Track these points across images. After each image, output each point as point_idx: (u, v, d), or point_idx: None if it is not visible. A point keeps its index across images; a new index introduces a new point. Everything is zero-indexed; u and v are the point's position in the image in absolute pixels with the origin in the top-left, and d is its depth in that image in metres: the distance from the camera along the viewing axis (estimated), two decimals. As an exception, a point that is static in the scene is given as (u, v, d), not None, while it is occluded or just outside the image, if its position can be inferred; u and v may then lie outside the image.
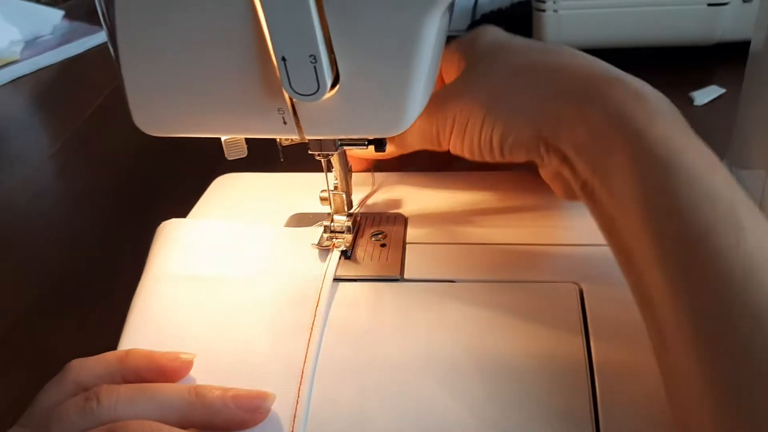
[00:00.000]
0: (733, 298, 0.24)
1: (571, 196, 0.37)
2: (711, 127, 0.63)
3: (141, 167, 0.65)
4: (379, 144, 0.38)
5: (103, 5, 0.29)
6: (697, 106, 0.65)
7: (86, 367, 0.32)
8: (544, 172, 0.38)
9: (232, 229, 0.43)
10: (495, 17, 0.82)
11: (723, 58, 0.74)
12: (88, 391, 0.30)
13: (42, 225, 0.58)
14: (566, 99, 0.33)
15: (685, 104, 0.66)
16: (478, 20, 0.82)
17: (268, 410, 0.31)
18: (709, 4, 0.72)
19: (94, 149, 0.70)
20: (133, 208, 0.58)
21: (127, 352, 0.33)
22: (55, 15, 0.95)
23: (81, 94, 0.81)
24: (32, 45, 0.91)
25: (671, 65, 0.75)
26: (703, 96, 0.67)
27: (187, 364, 0.33)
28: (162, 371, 0.32)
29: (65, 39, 0.92)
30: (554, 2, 0.71)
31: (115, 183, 0.63)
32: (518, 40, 0.39)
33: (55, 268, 0.52)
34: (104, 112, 0.76)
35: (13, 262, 0.53)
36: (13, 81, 0.85)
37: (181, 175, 0.60)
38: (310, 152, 0.37)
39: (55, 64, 0.89)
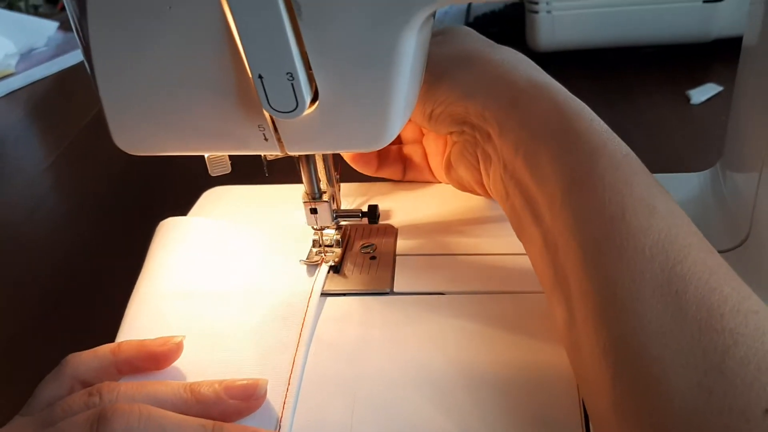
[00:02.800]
0: (641, 272, 0.26)
1: (472, 179, 0.39)
2: (708, 126, 0.63)
3: (135, 179, 0.64)
4: (372, 216, 0.39)
5: (77, 24, 0.29)
6: (693, 105, 0.65)
7: (82, 361, 0.33)
8: (455, 150, 0.39)
9: (228, 231, 0.43)
10: (489, 19, 0.82)
11: (720, 56, 0.73)
12: (88, 385, 0.32)
13: (38, 237, 0.58)
14: (500, 93, 0.35)
15: (681, 103, 0.65)
16: (472, 22, 0.82)
17: (263, 396, 0.32)
18: (705, 1, 0.71)
19: (89, 161, 0.70)
20: (127, 219, 0.58)
21: (119, 344, 0.34)
22: (50, 26, 0.95)
23: (76, 106, 0.81)
24: (27, 57, 0.91)
25: (667, 64, 0.74)
26: (700, 94, 0.66)
27: (177, 347, 0.34)
28: (153, 357, 0.33)
29: (60, 50, 0.92)
30: (547, 3, 0.70)
31: (110, 195, 0.63)
32: (477, 35, 0.41)
33: (51, 280, 0.52)
34: (99, 123, 0.74)
35: (9, 276, 0.53)
36: (8, 94, 0.85)
37: (176, 186, 0.60)
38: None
39: (50, 75, 0.89)
